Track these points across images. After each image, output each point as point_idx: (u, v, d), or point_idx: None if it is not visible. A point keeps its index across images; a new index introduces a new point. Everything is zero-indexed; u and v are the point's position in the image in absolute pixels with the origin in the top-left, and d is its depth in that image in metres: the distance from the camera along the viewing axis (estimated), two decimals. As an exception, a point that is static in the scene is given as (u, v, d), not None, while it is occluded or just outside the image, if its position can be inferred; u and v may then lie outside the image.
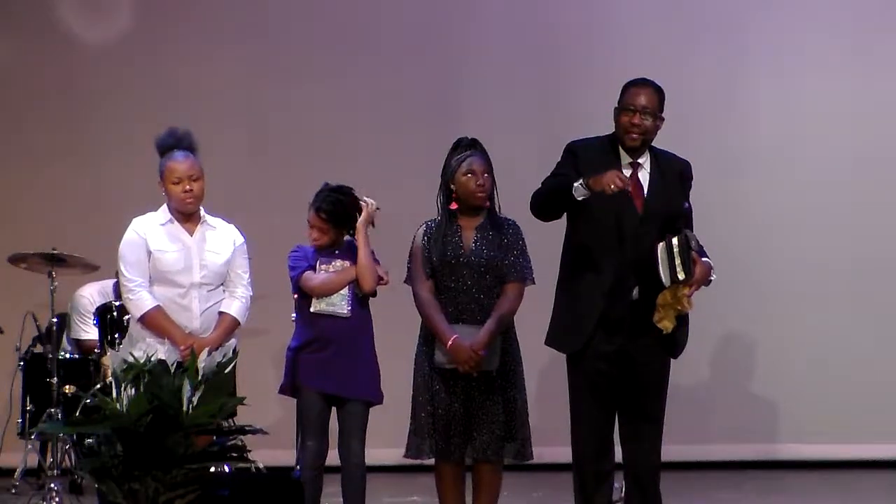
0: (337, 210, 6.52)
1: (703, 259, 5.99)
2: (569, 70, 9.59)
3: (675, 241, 5.85)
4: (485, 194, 6.17)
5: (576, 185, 5.78)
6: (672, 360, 6.12)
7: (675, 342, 6.04)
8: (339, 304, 6.46)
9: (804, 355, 9.36)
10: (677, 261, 5.83)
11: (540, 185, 6.06)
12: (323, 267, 6.49)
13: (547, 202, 5.98)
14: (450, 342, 6.05)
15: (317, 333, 6.44)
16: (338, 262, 6.49)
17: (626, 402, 6.07)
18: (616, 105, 6.05)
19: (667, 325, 5.90)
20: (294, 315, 6.75)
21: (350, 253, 6.54)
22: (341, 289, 6.46)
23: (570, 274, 6.10)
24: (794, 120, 9.51)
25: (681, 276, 5.83)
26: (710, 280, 6.07)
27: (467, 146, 6.23)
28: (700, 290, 6.00)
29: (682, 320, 6.00)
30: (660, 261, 5.86)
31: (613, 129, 6.08)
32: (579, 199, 5.80)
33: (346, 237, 6.60)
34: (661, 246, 5.87)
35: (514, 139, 9.27)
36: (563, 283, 6.14)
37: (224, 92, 9.59)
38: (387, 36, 9.71)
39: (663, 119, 6.07)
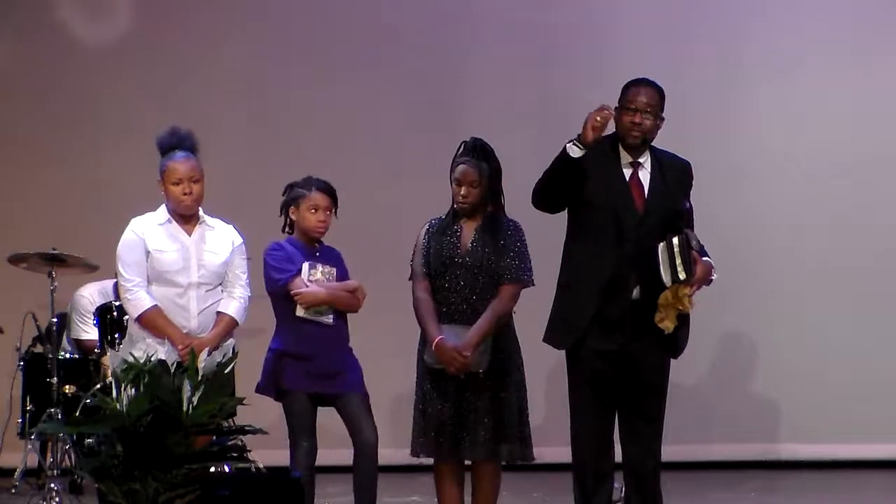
0: (332, 188, 6.49)
1: (704, 259, 6.00)
2: (569, 70, 9.59)
3: (675, 240, 5.86)
4: (468, 205, 6.15)
5: (567, 144, 5.79)
6: (672, 360, 6.12)
7: (676, 342, 6.04)
8: (326, 311, 6.43)
9: (804, 355, 9.35)
10: (678, 260, 5.84)
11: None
12: (311, 272, 6.43)
13: (547, 180, 5.95)
14: (434, 342, 6.05)
15: (301, 339, 6.38)
16: (325, 268, 6.45)
17: (626, 401, 6.07)
18: (616, 105, 6.05)
19: (668, 325, 5.91)
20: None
21: (330, 257, 6.50)
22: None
23: (570, 272, 6.10)
24: (794, 120, 9.50)
25: (682, 275, 5.84)
26: (711, 280, 6.08)
27: (465, 151, 6.21)
28: (701, 289, 6.01)
29: (683, 321, 6.00)
30: (661, 260, 5.87)
31: (614, 130, 6.08)
32: (575, 157, 5.78)
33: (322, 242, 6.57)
34: (661, 246, 5.88)
35: (514, 139, 9.26)
36: (562, 281, 6.14)
37: (224, 92, 9.59)
38: (387, 36, 9.71)
39: (664, 119, 6.07)
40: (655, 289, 5.90)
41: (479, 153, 6.18)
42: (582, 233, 6.06)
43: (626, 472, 6.18)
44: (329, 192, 6.47)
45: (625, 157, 6.04)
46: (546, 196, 6.01)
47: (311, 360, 6.37)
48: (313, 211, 6.43)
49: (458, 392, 6.12)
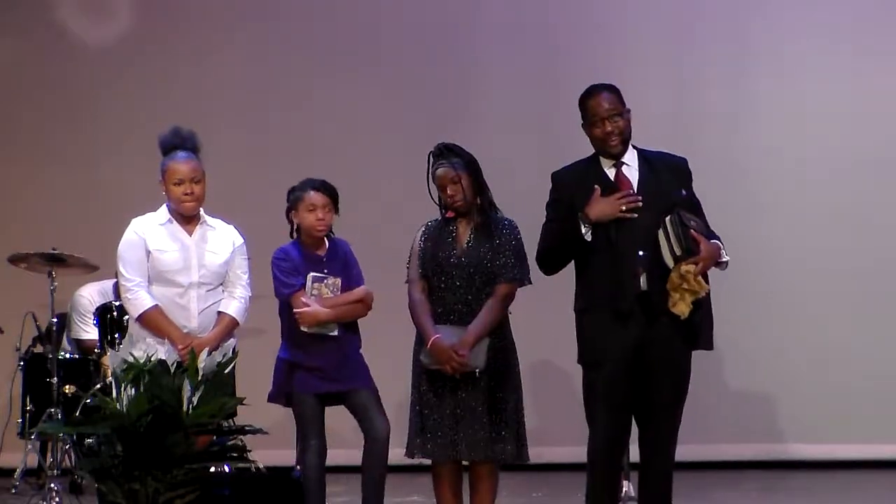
0: (330, 186, 6.48)
1: (712, 241, 5.91)
2: (569, 70, 9.59)
3: (668, 220, 5.78)
4: (460, 202, 6.17)
5: (583, 231, 5.78)
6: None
7: (695, 332, 5.90)
8: (331, 327, 6.41)
9: (804, 355, 9.35)
10: (672, 238, 5.77)
11: (539, 238, 5.99)
12: (315, 286, 6.41)
13: (558, 256, 5.94)
14: (430, 342, 6.05)
15: (307, 351, 6.39)
16: (330, 280, 6.44)
17: (641, 398, 5.94)
18: (582, 123, 5.98)
19: (682, 308, 5.74)
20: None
21: (336, 261, 6.49)
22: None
23: (594, 291, 5.93)
24: (795, 120, 9.50)
25: (678, 251, 5.75)
26: (722, 261, 5.97)
27: (435, 158, 6.22)
28: (710, 278, 5.91)
29: (700, 307, 5.86)
30: (661, 245, 5.80)
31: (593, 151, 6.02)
32: (589, 239, 5.78)
33: (332, 236, 6.55)
34: (659, 231, 5.82)
35: (514, 139, 9.28)
36: (593, 306, 5.98)
37: (224, 92, 9.60)
38: (387, 36, 9.72)
39: (629, 110, 6.00)
40: (663, 277, 5.81)
41: (447, 153, 6.21)
42: (588, 243, 5.94)
43: (640, 470, 6.11)
44: (325, 189, 6.46)
45: (606, 164, 5.97)
46: (555, 268, 5.99)
47: (317, 367, 6.38)
48: (310, 210, 6.42)
49: (455, 392, 6.11)
